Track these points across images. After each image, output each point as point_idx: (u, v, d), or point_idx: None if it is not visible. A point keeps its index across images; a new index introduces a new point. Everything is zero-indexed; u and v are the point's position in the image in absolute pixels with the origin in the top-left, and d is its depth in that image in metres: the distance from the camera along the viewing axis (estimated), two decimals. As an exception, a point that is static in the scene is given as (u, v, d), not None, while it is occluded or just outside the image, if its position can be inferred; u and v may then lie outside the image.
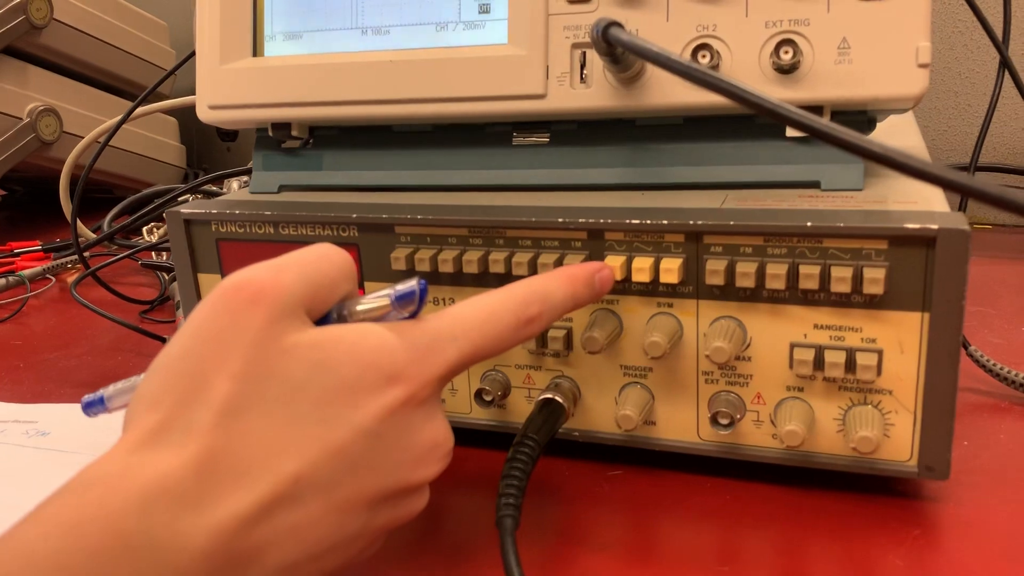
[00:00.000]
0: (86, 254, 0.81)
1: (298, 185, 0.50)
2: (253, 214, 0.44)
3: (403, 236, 0.42)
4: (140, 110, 0.79)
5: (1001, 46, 0.47)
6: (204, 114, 0.49)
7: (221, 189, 0.91)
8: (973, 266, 0.54)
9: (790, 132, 0.42)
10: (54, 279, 0.78)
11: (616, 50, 0.38)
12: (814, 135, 0.30)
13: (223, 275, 0.46)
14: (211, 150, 1.34)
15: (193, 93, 0.62)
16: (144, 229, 0.88)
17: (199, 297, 0.47)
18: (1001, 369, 0.47)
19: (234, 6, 0.48)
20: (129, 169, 1.13)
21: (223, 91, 0.48)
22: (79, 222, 0.89)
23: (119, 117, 0.70)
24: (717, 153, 0.43)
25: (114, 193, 1.20)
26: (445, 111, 0.45)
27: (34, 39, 0.98)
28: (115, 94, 1.14)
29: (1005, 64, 0.48)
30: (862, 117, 0.41)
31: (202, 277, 0.47)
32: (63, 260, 0.81)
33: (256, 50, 0.49)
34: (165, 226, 0.89)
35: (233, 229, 0.45)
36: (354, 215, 0.42)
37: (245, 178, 0.91)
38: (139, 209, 0.95)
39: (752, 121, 0.43)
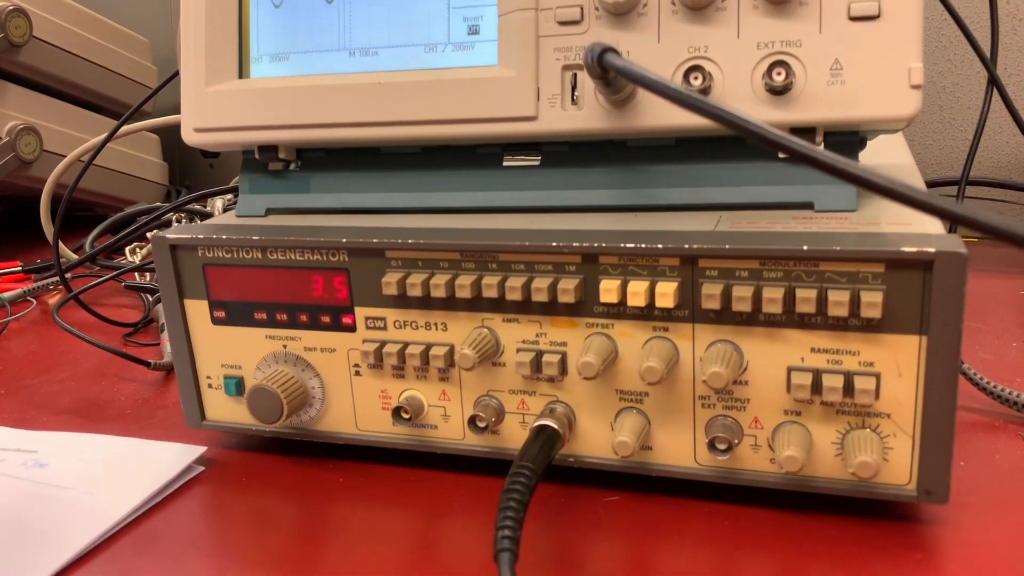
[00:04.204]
0: (68, 275, 0.80)
1: (285, 208, 0.49)
2: (241, 239, 0.44)
3: (394, 260, 0.42)
4: (124, 129, 0.78)
5: (989, 65, 0.48)
6: (189, 137, 0.48)
7: (204, 208, 0.90)
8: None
9: (783, 153, 0.41)
10: (35, 301, 0.77)
11: (609, 74, 0.38)
12: (814, 166, 0.29)
13: (210, 301, 0.46)
14: (194, 167, 1.33)
15: (176, 110, 0.61)
16: (127, 249, 0.87)
17: (185, 323, 0.46)
18: (995, 387, 0.47)
19: (219, 28, 0.48)
20: (111, 187, 1.12)
21: (208, 114, 0.47)
22: (60, 243, 0.88)
23: (102, 136, 0.69)
24: (710, 174, 0.43)
25: (95, 211, 1.19)
26: (435, 133, 0.44)
27: (13, 57, 0.97)
28: (96, 111, 1.13)
29: (994, 83, 0.48)
30: (854, 138, 0.41)
31: (188, 303, 0.46)
32: (44, 282, 0.80)
33: (242, 72, 0.48)
34: (148, 246, 0.88)
35: (220, 254, 0.45)
36: (344, 240, 0.42)
37: (230, 196, 0.90)
38: (122, 228, 0.94)
39: (745, 142, 0.42)
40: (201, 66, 0.48)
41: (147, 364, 0.59)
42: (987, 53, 0.48)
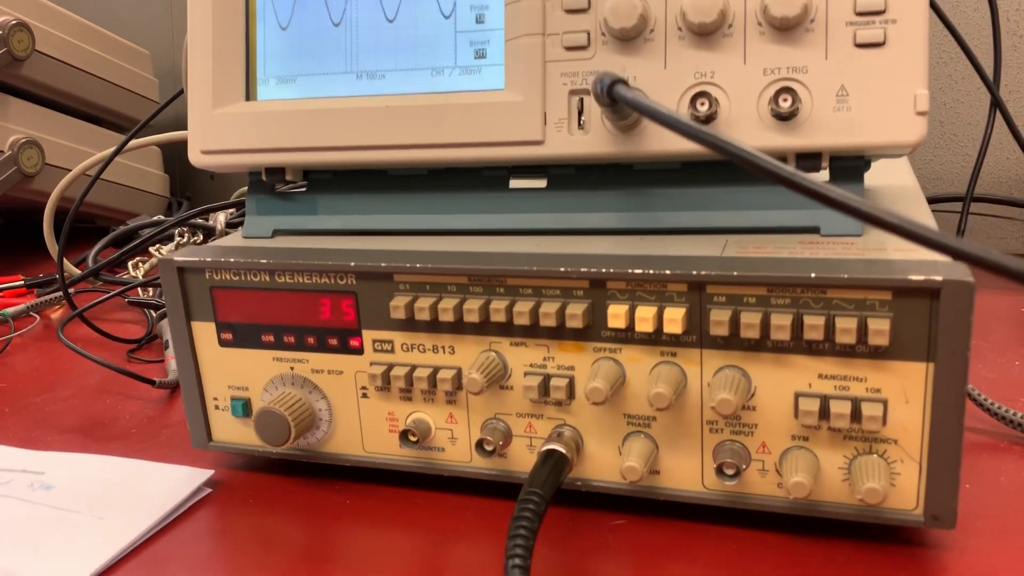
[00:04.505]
0: (71, 290, 0.80)
1: (293, 230, 0.49)
2: (248, 262, 0.44)
3: (402, 284, 0.42)
4: (131, 143, 0.78)
5: (992, 87, 0.48)
6: (196, 159, 0.49)
7: (207, 222, 0.90)
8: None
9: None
10: (38, 317, 0.77)
11: (617, 103, 0.38)
12: (828, 204, 0.29)
13: (217, 323, 0.46)
14: (195, 179, 1.33)
15: (178, 123, 0.62)
16: (130, 263, 0.87)
17: (192, 345, 0.47)
18: (999, 408, 0.47)
19: (226, 49, 0.48)
20: (113, 200, 1.12)
21: (216, 136, 0.48)
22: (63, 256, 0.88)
23: (109, 151, 0.69)
24: (716, 198, 0.43)
25: (96, 223, 1.19)
26: (442, 156, 0.45)
27: (15, 71, 0.97)
28: (96, 123, 1.13)
29: (997, 104, 0.48)
30: (859, 162, 0.41)
31: (195, 325, 0.46)
32: (47, 297, 0.80)
33: (249, 93, 0.48)
34: (151, 260, 0.88)
35: (228, 277, 0.45)
36: (352, 263, 0.42)
37: (232, 211, 0.90)
38: (124, 242, 0.94)
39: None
40: (208, 88, 0.48)
41: (152, 382, 0.59)
42: (990, 75, 0.48)
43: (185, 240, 0.92)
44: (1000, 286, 0.74)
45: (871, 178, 0.51)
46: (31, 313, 0.78)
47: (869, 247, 0.39)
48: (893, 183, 0.52)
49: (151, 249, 0.89)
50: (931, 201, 0.79)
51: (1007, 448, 0.46)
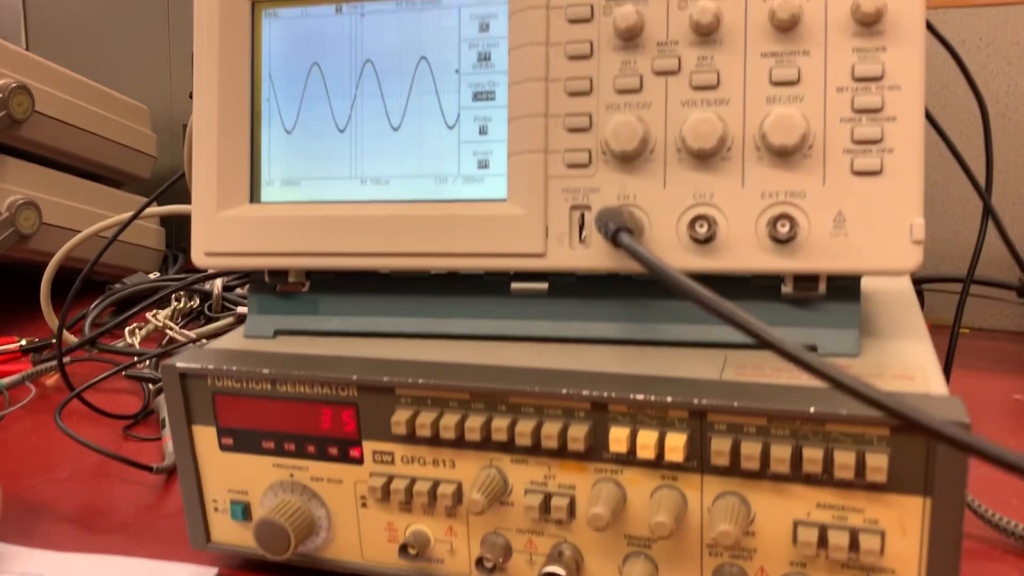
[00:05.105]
0: (67, 359, 0.80)
1: (294, 330, 0.50)
2: (251, 371, 0.44)
3: (403, 398, 0.42)
4: (150, 210, 0.78)
5: (984, 195, 0.49)
6: (200, 260, 0.49)
7: (205, 287, 0.90)
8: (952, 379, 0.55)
9: (785, 292, 0.42)
10: (34, 388, 0.77)
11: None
12: (835, 387, 0.30)
13: (218, 428, 0.46)
14: (190, 232, 1.33)
15: (172, 175, 0.63)
16: (126, 330, 0.87)
17: (193, 448, 0.47)
18: (993, 516, 0.47)
19: (231, 152, 0.48)
20: (109, 256, 1.12)
21: (220, 239, 0.48)
22: (58, 319, 0.88)
23: (118, 217, 0.70)
24: (714, 313, 0.44)
25: (91, 277, 1.19)
26: (444, 265, 0.45)
27: (15, 132, 0.98)
28: (94, 179, 1.14)
29: (988, 212, 0.49)
30: (855, 281, 0.42)
31: (196, 429, 0.46)
32: (43, 366, 0.79)
33: (253, 195, 0.49)
34: (148, 326, 0.88)
35: (230, 383, 0.45)
36: (354, 376, 0.42)
37: (228, 278, 0.91)
38: (120, 304, 0.94)
39: (748, 283, 0.43)
40: (213, 191, 0.48)
41: (149, 469, 0.59)
42: (982, 185, 0.49)
43: (182, 305, 0.92)
44: (990, 367, 0.75)
45: (866, 280, 0.52)
46: (27, 383, 0.78)
47: (867, 371, 0.39)
48: (888, 286, 0.53)
49: (148, 315, 0.89)
50: (923, 281, 0.80)
51: (1001, 558, 0.46)
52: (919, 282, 0.77)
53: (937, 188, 0.83)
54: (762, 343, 0.32)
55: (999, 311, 0.83)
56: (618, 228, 0.37)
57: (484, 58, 0.45)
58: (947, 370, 0.57)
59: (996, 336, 0.83)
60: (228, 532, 0.48)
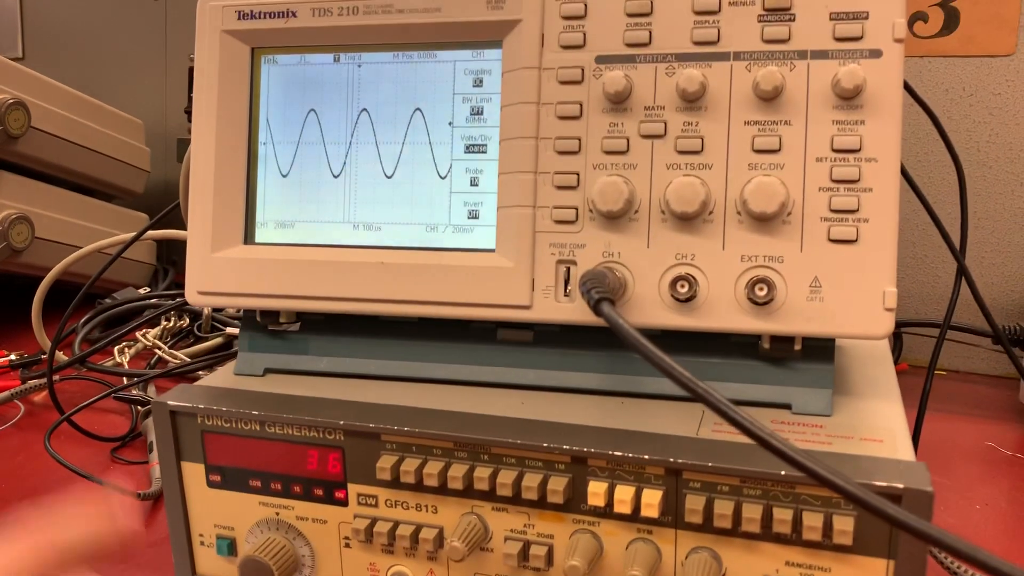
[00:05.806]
0: (55, 376, 0.81)
1: (284, 369, 0.51)
2: (240, 412, 0.45)
3: (389, 444, 0.43)
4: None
5: (959, 256, 0.50)
6: (193, 298, 0.50)
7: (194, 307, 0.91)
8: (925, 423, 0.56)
9: (763, 350, 0.44)
10: (23, 407, 0.77)
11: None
12: (832, 489, 0.31)
13: (206, 465, 0.47)
14: (180, 245, 1.34)
15: (167, 189, 0.63)
16: (115, 349, 0.88)
17: (181, 484, 0.48)
18: (959, 569, 0.49)
19: (227, 194, 0.50)
20: (99, 268, 1.13)
21: (213, 279, 0.49)
22: (47, 335, 0.88)
23: (123, 240, 0.70)
24: (692, 367, 0.44)
25: (78, 289, 1.19)
26: (432, 312, 0.46)
27: (10, 147, 0.98)
28: (87, 193, 1.14)
29: (962, 272, 0.51)
30: (830, 343, 0.44)
31: (185, 465, 0.47)
32: (32, 383, 0.80)
33: (247, 236, 0.50)
34: (137, 345, 0.89)
35: (219, 423, 0.46)
36: (341, 421, 0.43)
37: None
38: (109, 321, 0.95)
39: (727, 339, 0.45)
40: (208, 231, 0.49)
41: (137, 495, 0.60)
42: (956, 245, 0.51)
43: (172, 324, 0.93)
44: (963, 412, 0.76)
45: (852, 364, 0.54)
46: (15, 401, 0.79)
47: (838, 432, 0.41)
48: (864, 344, 0.54)
49: (138, 334, 0.90)
50: (903, 325, 0.81)
51: (966, 611, 0.48)
52: (898, 326, 0.79)
53: (918, 231, 0.85)
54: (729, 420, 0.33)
55: (975, 354, 0.85)
56: (600, 298, 0.38)
57: (477, 112, 0.47)
58: (920, 414, 0.58)
59: (971, 378, 0.85)
60: (213, 566, 0.49)
